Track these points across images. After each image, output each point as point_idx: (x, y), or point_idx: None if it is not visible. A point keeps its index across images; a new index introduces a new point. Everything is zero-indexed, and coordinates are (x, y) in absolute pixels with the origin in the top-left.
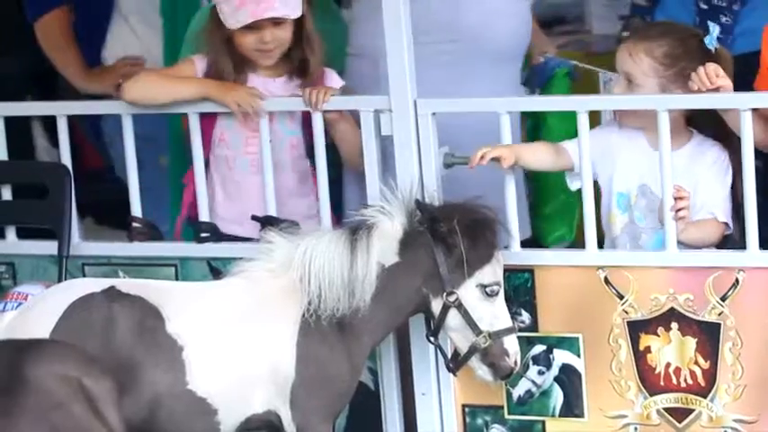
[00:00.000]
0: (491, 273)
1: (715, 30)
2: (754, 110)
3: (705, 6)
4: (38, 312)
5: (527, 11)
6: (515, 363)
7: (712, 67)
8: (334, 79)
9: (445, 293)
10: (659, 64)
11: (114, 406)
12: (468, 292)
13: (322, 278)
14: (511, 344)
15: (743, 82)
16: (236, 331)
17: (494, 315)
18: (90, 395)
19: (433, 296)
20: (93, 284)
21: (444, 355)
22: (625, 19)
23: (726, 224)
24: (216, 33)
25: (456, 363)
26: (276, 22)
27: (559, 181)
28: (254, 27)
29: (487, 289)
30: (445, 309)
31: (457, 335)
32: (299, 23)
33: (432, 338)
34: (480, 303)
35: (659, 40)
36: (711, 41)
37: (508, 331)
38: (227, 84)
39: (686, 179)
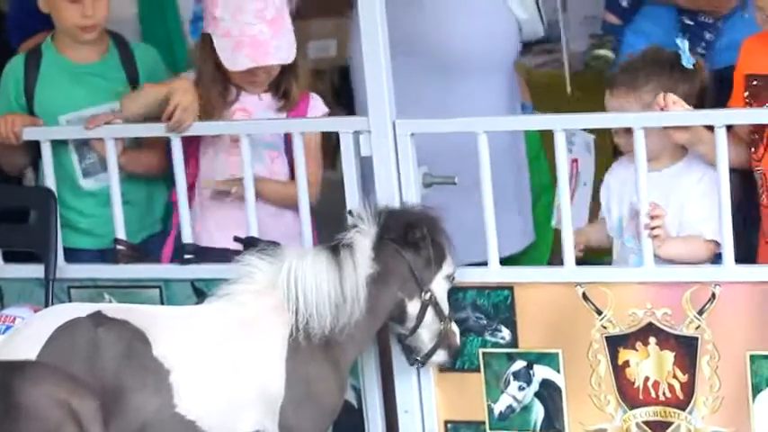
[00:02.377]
0: (450, 263)
1: (685, 46)
2: (729, 129)
3: (690, 22)
4: (24, 337)
5: (513, 29)
6: (459, 339)
7: (671, 97)
8: (317, 105)
9: (422, 293)
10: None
11: (100, 426)
12: (438, 286)
13: (311, 298)
14: (455, 325)
15: (726, 96)
16: (223, 353)
17: (446, 301)
18: (78, 416)
19: (408, 299)
20: (79, 309)
21: (411, 353)
22: (596, 37)
23: (715, 242)
24: (207, 60)
25: (426, 354)
26: None
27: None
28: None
29: (450, 278)
30: (423, 307)
31: (426, 329)
32: None
33: (406, 340)
34: (444, 293)
35: (646, 85)
36: (688, 60)
37: (453, 314)
38: None
39: (674, 197)
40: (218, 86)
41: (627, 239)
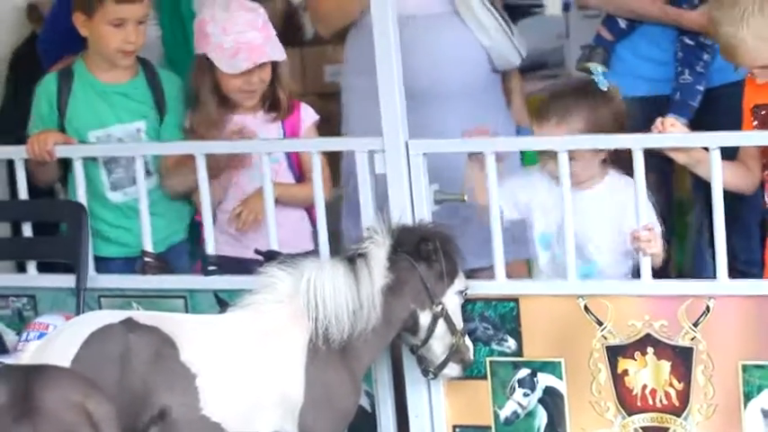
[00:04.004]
0: (462, 279)
1: (597, 70)
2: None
3: (691, 42)
4: (60, 343)
5: (481, 57)
6: (473, 355)
7: (669, 120)
8: (308, 113)
9: (434, 305)
10: (585, 132)
11: (116, 429)
12: (450, 300)
13: (330, 308)
14: (468, 339)
15: (720, 113)
16: (246, 359)
17: (460, 316)
18: (93, 419)
19: (421, 310)
20: (111, 316)
21: (425, 364)
22: (587, 48)
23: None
24: (205, 80)
25: (438, 366)
26: (260, 65)
27: None
28: (244, 71)
29: (462, 293)
30: (435, 319)
31: (438, 341)
32: (274, 63)
33: (418, 351)
34: (457, 308)
35: (574, 114)
36: (602, 83)
37: (466, 329)
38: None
39: (607, 213)
40: (216, 106)
41: (559, 255)
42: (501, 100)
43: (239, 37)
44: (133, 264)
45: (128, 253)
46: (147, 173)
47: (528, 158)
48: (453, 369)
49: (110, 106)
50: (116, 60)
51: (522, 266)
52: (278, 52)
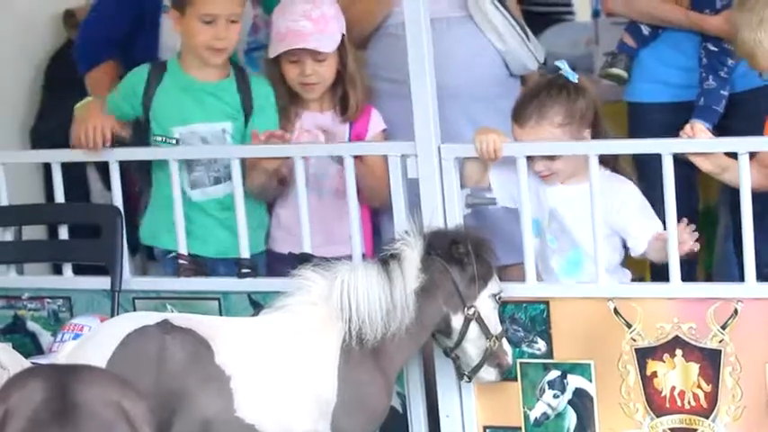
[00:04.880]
0: (496, 283)
1: (565, 65)
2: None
3: (714, 48)
4: (97, 342)
5: (496, 62)
6: (511, 359)
7: (698, 126)
8: (378, 121)
9: (466, 308)
10: (566, 125)
11: (151, 427)
12: (483, 304)
13: (363, 308)
14: (507, 344)
15: (745, 117)
16: (280, 361)
17: (496, 320)
18: (129, 417)
19: (453, 313)
20: (147, 318)
21: (459, 367)
22: (610, 55)
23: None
24: (273, 72)
25: (472, 369)
26: (317, 58)
27: None
28: (297, 61)
29: (496, 297)
30: (467, 322)
31: (471, 344)
32: (342, 62)
33: (452, 353)
34: (491, 312)
35: (552, 109)
36: (573, 76)
37: (503, 333)
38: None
39: (584, 206)
40: (285, 98)
41: (550, 240)
42: None
43: (292, 24)
44: (221, 265)
45: (214, 253)
46: (219, 180)
47: None
48: (490, 373)
49: (197, 104)
50: (206, 57)
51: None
52: (324, 44)
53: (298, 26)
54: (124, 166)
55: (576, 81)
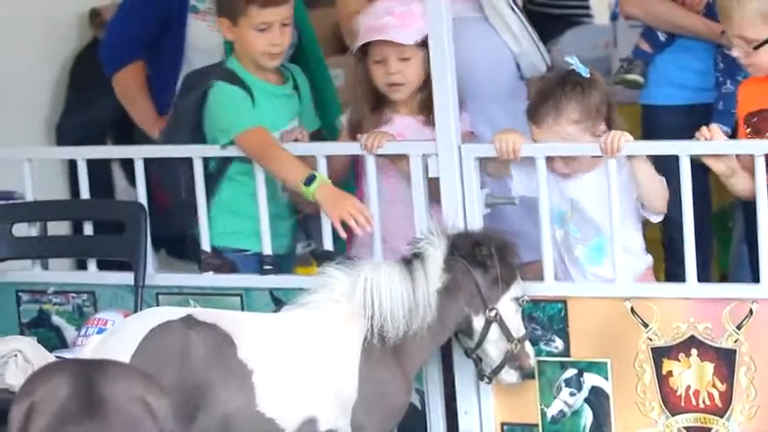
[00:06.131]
0: (519, 287)
1: (576, 60)
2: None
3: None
4: (121, 337)
5: (507, 61)
6: (534, 362)
7: (714, 128)
8: (465, 122)
9: (487, 310)
10: (583, 121)
11: (173, 421)
12: (505, 306)
13: (385, 306)
14: (530, 346)
15: None
16: (302, 357)
17: (519, 323)
18: (153, 412)
19: (474, 314)
20: (171, 313)
21: (481, 367)
22: (626, 61)
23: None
24: (361, 78)
25: (493, 371)
26: (401, 56)
27: None
28: (381, 61)
29: (519, 300)
30: (488, 323)
31: (492, 346)
32: (429, 65)
33: (473, 354)
34: (513, 314)
35: (568, 105)
36: (585, 71)
37: (527, 335)
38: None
39: (603, 194)
40: (371, 104)
41: (573, 230)
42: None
43: (373, 21)
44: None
45: (277, 249)
46: None
47: None
48: (511, 375)
49: (277, 107)
50: (264, 63)
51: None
52: (404, 37)
53: (381, 21)
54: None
55: (588, 75)
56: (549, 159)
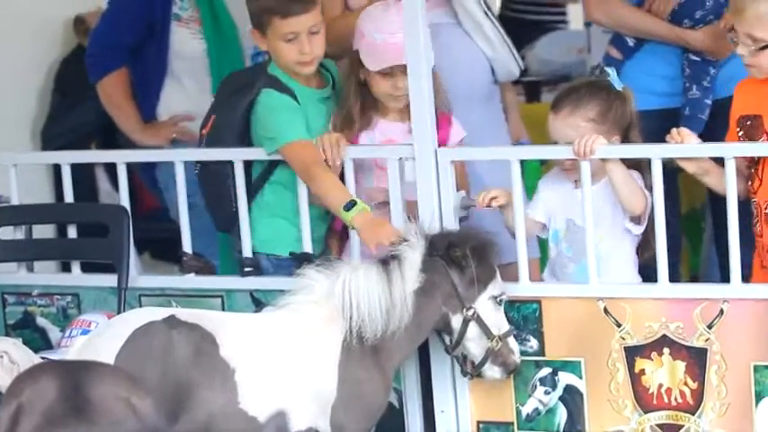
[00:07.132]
0: (498, 285)
1: (614, 73)
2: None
3: (696, 58)
4: (105, 338)
5: (480, 66)
6: (519, 358)
7: (684, 131)
8: (458, 130)
9: (465, 309)
10: (598, 123)
11: (157, 422)
12: (482, 305)
13: (363, 307)
14: (513, 343)
15: (725, 123)
16: (283, 356)
17: (500, 320)
18: (137, 412)
19: (452, 313)
20: (154, 313)
21: (462, 365)
22: (596, 68)
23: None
24: (351, 77)
25: (474, 368)
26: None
27: None
28: (389, 74)
29: (497, 299)
30: (465, 322)
31: (472, 343)
32: None
33: (452, 351)
34: (492, 313)
35: (589, 103)
36: (618, 84)
37: (510, 332)
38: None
39: (609, 205)
40: (360, 104)
41: (566, 248)
42: (501, 114)
43: (390, 37)
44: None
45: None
46: None
47: (529, 171)
48: (494, 371)
49: (326, 112)
50: (298, 71)
51: (535, 264)
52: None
53: (396, 39)
54: (131, 166)
55: (620, 89)
56: (561, 164)
